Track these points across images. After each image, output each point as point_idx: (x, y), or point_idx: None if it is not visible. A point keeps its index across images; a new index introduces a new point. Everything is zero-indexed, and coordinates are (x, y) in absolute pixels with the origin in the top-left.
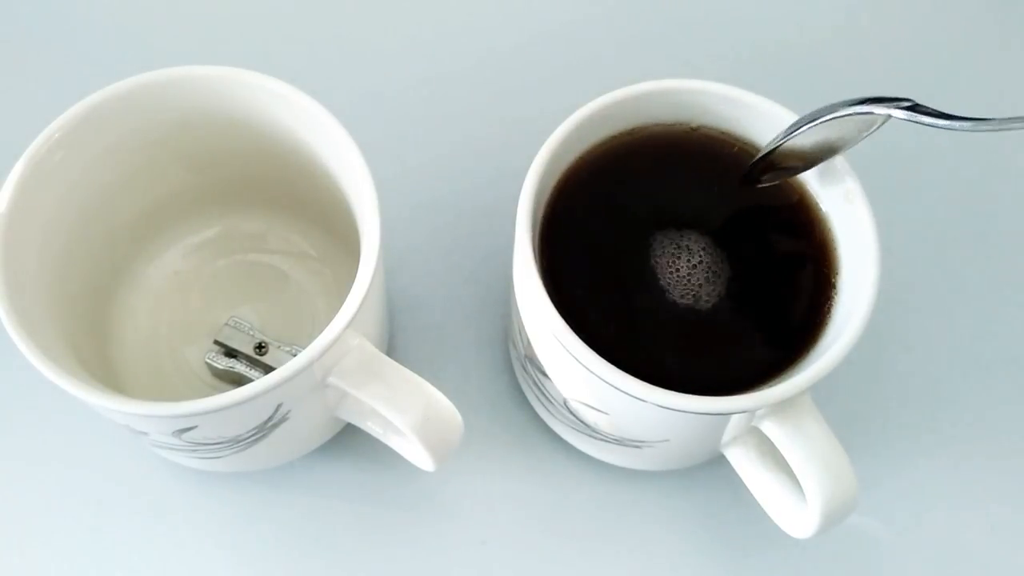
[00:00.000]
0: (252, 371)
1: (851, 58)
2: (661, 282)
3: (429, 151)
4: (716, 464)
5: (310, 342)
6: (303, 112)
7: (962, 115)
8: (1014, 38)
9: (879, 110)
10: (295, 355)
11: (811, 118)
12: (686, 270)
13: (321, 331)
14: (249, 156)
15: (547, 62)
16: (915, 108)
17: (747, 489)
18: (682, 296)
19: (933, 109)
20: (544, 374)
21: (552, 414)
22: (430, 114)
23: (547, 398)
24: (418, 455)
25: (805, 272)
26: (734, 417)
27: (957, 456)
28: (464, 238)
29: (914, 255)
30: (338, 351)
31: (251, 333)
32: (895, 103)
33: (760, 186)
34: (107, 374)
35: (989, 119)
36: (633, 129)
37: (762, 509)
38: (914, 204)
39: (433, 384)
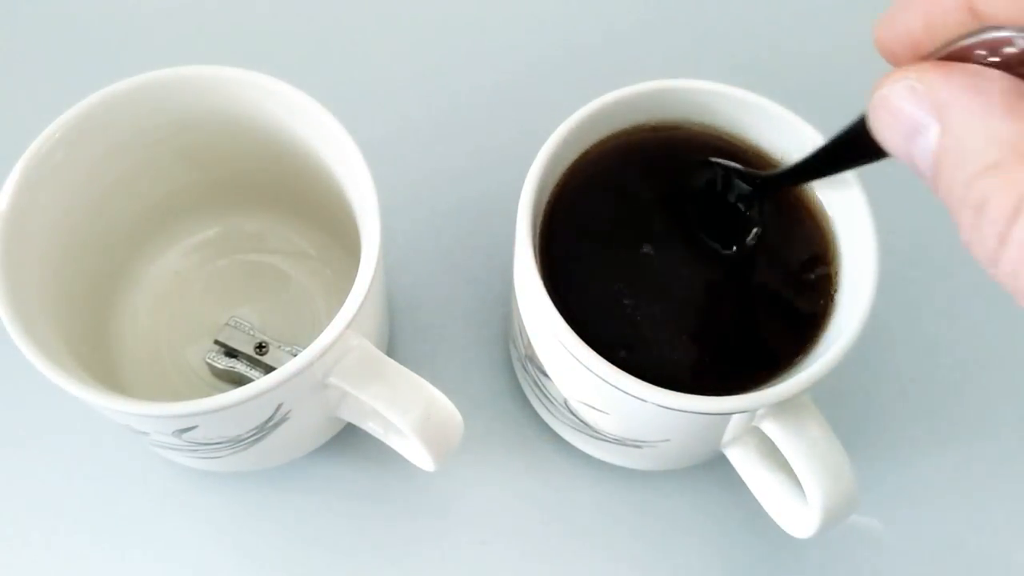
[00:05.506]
0: (252, 371)
1: (851, 57)
2: (661, 281)
3: (430, 151)
4: (716, 464)
5: (310, 342)
6: (303, 112)
7: None
8: None
9: None
10: (295, 355)
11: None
12: (686, 269)
13: (321, 331)
14: (249, 156)
15: (548, 61)
16: None
17: (747, 489)
18: (683, 295)
19: None
20: (544, 374)
21: (552, 414)
22: (431, 114)
23: (547, 398)
24: (418, 455)
25: (805, 271)
26: (734, 417)
27: (957, 456)
28: (464, 238)
29: (915, 254)
30: (338, 351)
31: (251, 333)
32: None
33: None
34: (107, 374)
35: None
36: (633, 128)
37: (762, 509)
38: (915, 203)
39: (433, 384)
